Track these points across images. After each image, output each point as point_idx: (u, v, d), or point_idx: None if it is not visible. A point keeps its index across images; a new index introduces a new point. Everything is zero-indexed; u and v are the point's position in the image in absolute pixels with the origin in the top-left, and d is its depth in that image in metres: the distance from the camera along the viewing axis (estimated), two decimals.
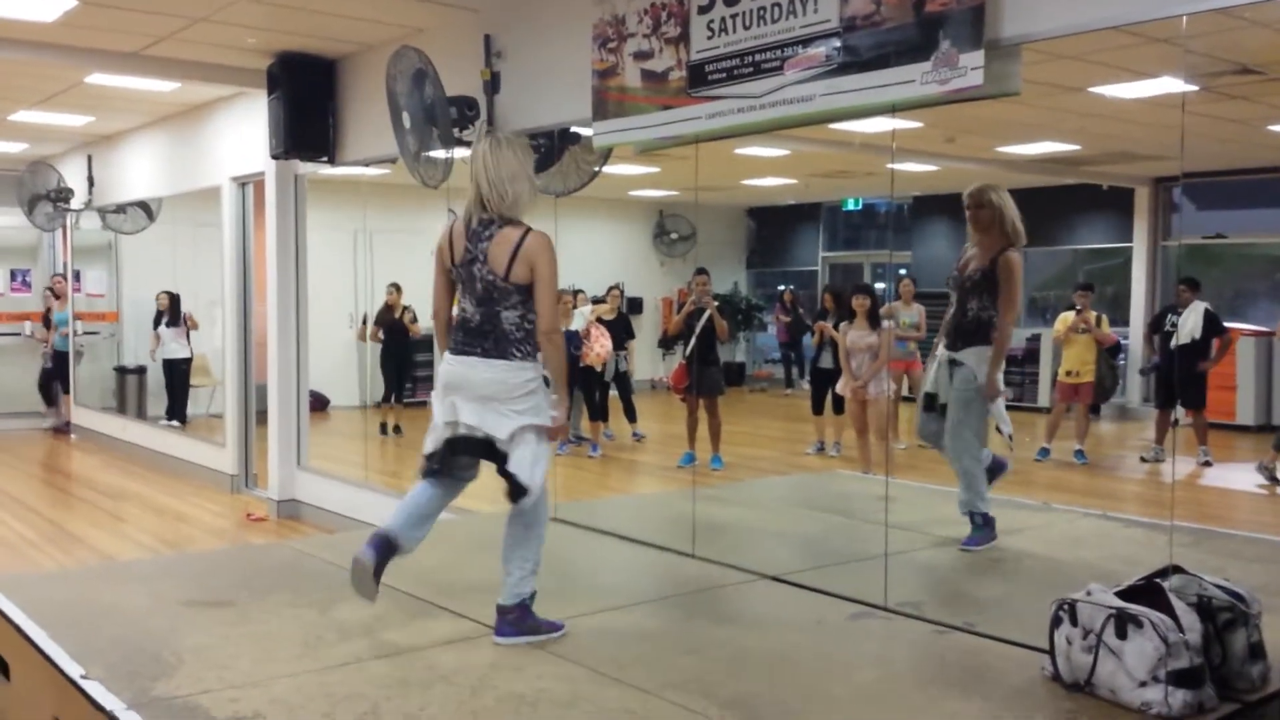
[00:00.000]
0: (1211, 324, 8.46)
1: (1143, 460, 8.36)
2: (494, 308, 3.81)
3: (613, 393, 10.48)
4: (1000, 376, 5.19)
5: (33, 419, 13.54)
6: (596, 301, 10.69)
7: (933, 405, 5.36)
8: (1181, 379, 8.50)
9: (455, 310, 3.97)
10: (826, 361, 8.98)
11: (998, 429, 5.28)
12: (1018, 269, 5.13)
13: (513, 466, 3.78)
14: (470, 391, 3.81)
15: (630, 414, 10.44)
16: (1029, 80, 3.93)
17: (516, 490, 3.81)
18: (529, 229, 3.81)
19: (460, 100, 6.01)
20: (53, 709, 3.70)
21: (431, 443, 3.93)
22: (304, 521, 8.10)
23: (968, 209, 5.30)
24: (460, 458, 3.92)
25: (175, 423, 11.32)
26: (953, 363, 5.24)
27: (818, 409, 9.10)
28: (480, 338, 3.83)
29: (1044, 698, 3.39)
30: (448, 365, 3.88)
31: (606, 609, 4.39)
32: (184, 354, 11.52)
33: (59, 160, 12.44)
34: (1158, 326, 8.74)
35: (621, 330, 10.45)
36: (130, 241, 12.18)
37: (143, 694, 3.41)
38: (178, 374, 11.51)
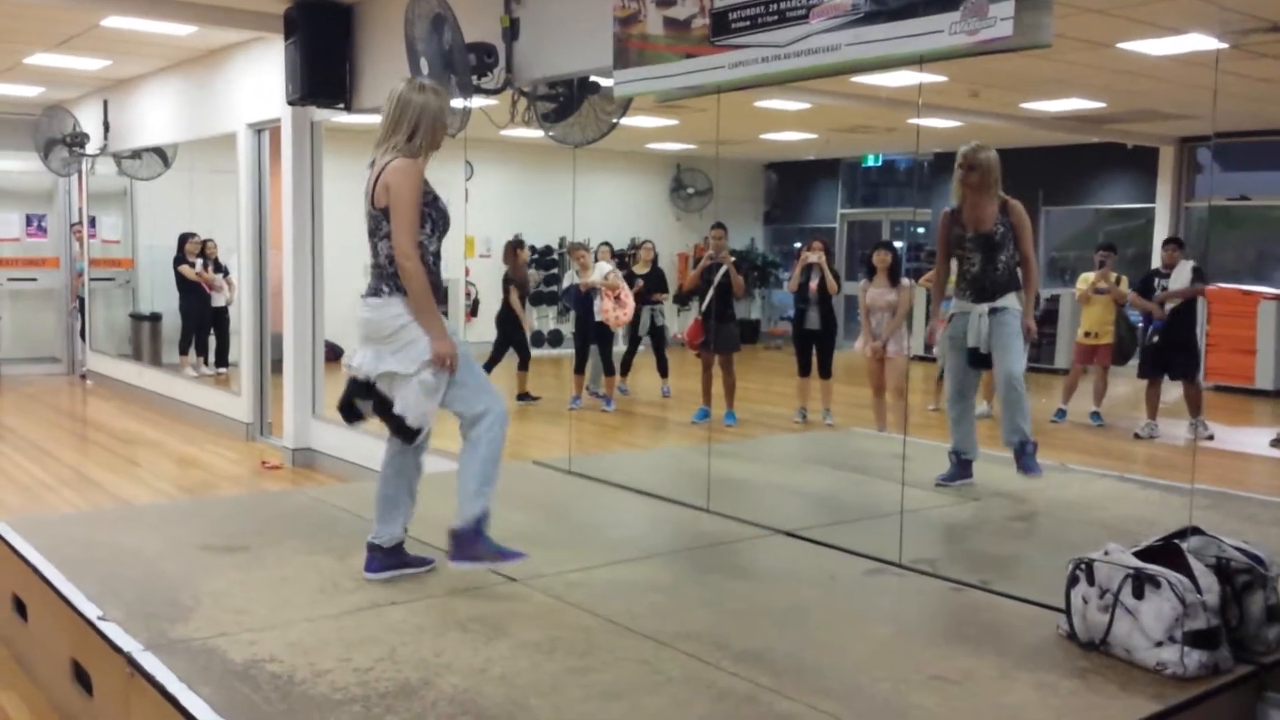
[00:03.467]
0: (1197, 277, 8.25)
1: (1137, 437, 8.25)
2: (373, 239, 3.82)
3: (642, 348, 10.42)
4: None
5: (48, 364, 13.61)
6: (618, 259, 10.62)
7: (979, 360, 5.46)
8: (1171, 346, 8.29)
9: None
10: (813, 322, 8.84)
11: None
12: (1026, 214, 5.50)
13: (398, 409, 3.76)
14: (359, 333, 3.85)
15: (663, 369, 10.39)
16: (1057, 34, 3.85)
17: (404, 434, 3.80)
18: (400, 157, 3.77)
19: (479, 47, 5.94)
20: (70, 650, 3.73)
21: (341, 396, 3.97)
22: (319, 470, 8.13)
23: (960, 168, 5.46)
24: (360, 402, 3.90)
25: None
26: (993, 311, 5.38)
27: (804, 371, 8.93)
28: (372, 278, 3.84)
29: (1059, 656, 3.39)
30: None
31: (621, 561, 4.40)
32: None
33: (75, 105, 12.39)
34: (1146, 291, 8.53)
35: (655, 284, 10.37)
36: (146, 188, 12.15)
37: (160, 636, 3.44)
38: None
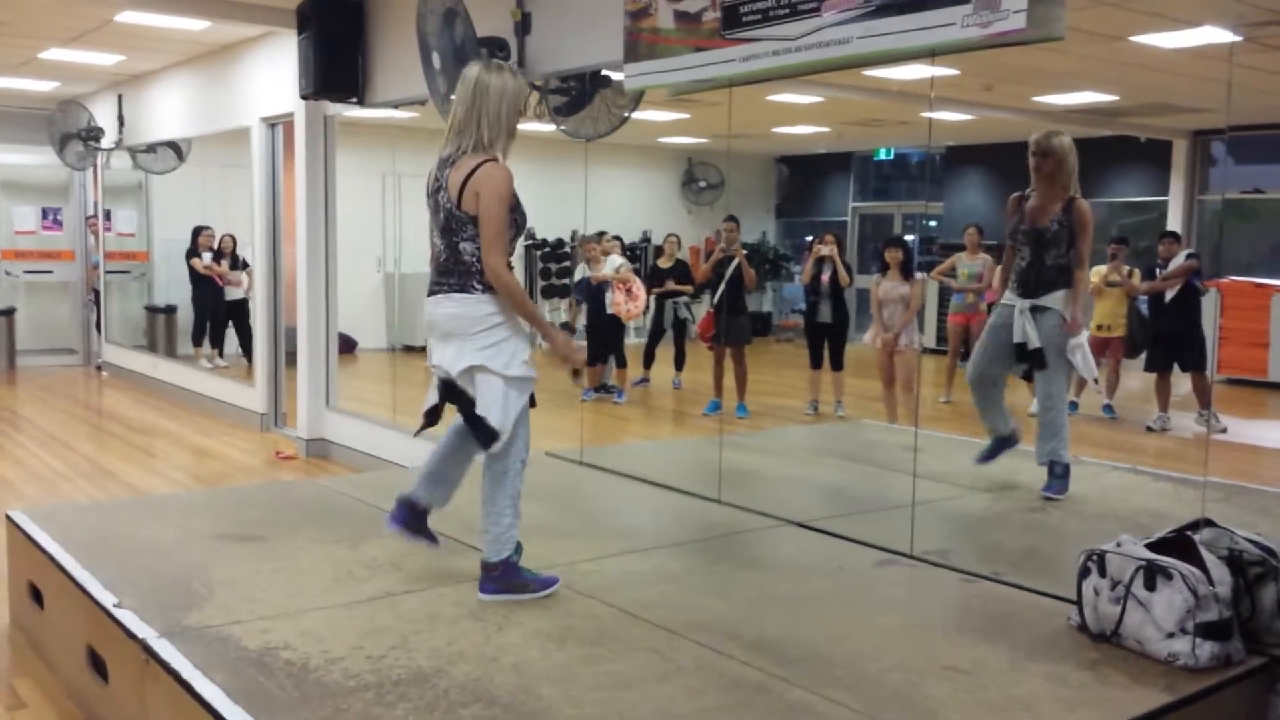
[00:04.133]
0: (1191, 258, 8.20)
1: (1149, 430, 8.23)
2: (452, 239, 3.64)
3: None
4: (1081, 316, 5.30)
5: (64, 356, 13.70)
6: (629, 252, 10.62)
7: (1026, 355, 5.29)
8: (1175, 338, 8.26)
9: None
10: (825, 315, 8.83)
11: (1081, 376, 5.33)
12: (1090, 216, 5.25)
13: (480, 409, 3.62)
14: (438, 330, 3.72)
15: (680, 362, 10.39)
16: (1070, 27, 3.85)
17: (484, 435, 3.64)
18: (489, 159, 3.61)
19: (491, 41, 5.96)
20: (85, 637, 3.77)
21: (429, 397, 3.84)
22: (332, 460, 8.17)
23: (1033, 155, 5.24)
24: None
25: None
26: (1035, 310, 5.23)
27: (816, 363, 8.92)
28: (446, 274, 3.68)
29: (1070, 647, 3.40)
30: (425, 307, 3.77)
31: (633, 550, 4.42)
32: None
33: (90, 99, 12.45)
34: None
35: (678, 276, 10.37)
36: (160, 182, 12.22)
37: (174, 624, 3.47)
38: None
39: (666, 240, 10.63)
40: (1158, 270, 8.38)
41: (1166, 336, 8.26)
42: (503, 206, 3.57)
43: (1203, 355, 8.16)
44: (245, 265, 11.62)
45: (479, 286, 3.63)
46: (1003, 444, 5.51)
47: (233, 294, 11.69)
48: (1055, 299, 5.20)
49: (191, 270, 11.71)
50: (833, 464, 6.84)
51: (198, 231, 11.68)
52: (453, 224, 3.65)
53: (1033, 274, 5.24)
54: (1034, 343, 5.20)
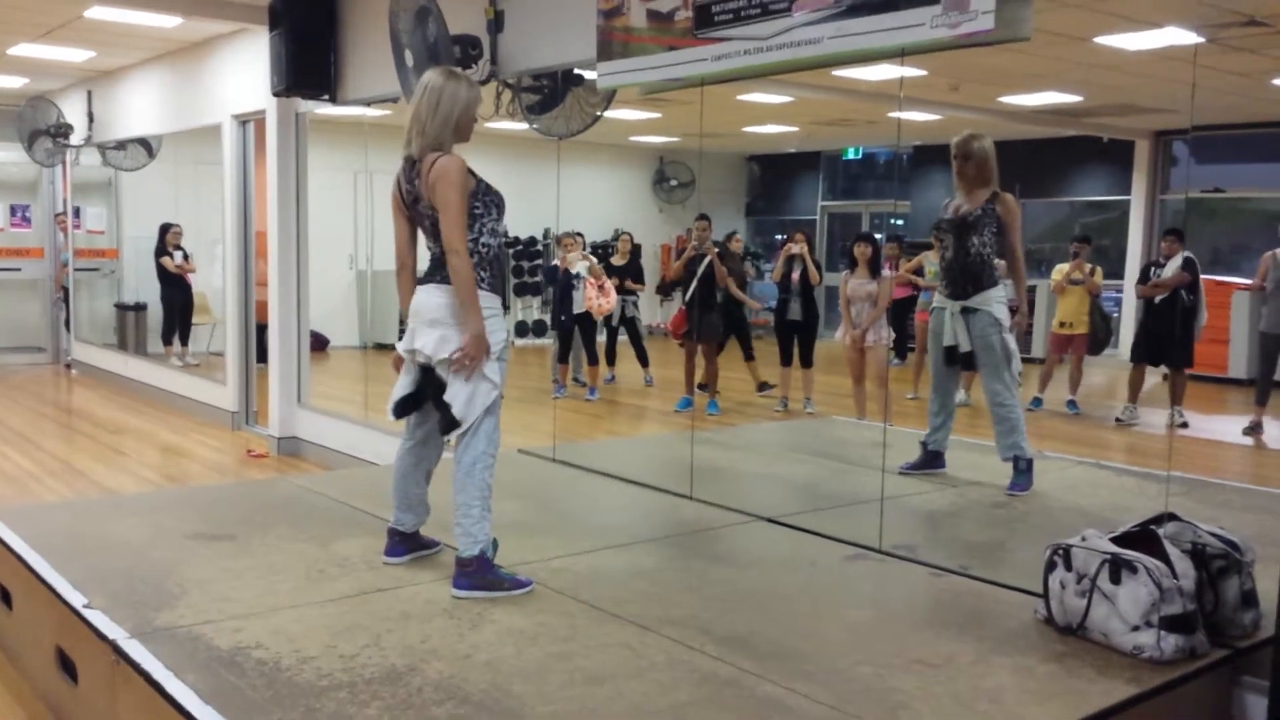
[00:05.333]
0: (1185, 266, 8.31)
1: (1118, 421, 8.33)
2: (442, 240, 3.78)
3: (621, 337, 10.48)
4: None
5: (32, 354, 13.57)
6: (597, 252, 10.64)
7: (955, 358, 5.39)
8: (1164, 335, 8.36)
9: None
10: (795, 313, 8.91)
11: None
12: (1018, 206, 5.34)
13: (448, 396, 3.73)
14: (423, 316, 3.80)
15: (642, 359, 10.43)
16: (1036, 29, 3.89)
17: (446, 421, 3.78)
18: (440, 154, 3.74)
19: (464, 39, 5.96)
20: (55, 638, 3.75)
21: (401, 384, 3.95)
22: (304, 458, 8.14)
23: (955, 159, 5.36)
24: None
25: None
26: (965, 311, 5.30)
27: (785, 361, 9.01)
28: (440, 268, 3.79)
29: (1037, 640, 3.45)
30: (415, 297, 3.87)
31: (605, 547, 4.44)
32: None
33: (59, 96, 12.33)
34: (1144, 281, 8.64)
35: (632, 275, 10.42)
36: (130, 179, 12.12)
37: (145, 624, 3.45)
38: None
39: (620, 238, 10.67)
40: (1153, 270, 8.49)
41: (1151, 333, 8.38)
42: (459, 194, 3.68)
43: (1189, 354, 8.30)
44: (185, 255, 11.60)
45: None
46: (934, 459, 5.66)
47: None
48: (981, 299, 5.27)
49: (161, 268, 11.63)
50: (803, 459, 6.89)
51: (165, 230, 11.61)
52: (428, 223, 3.81)
53: (957, 266, 5.31)
54: (964, 346, 5.31)
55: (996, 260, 5.37)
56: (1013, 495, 5.25)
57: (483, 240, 3.80)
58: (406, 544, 4.15)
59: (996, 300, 5.28)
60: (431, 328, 3.78)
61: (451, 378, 3.74)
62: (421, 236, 3.93)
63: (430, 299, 3.80)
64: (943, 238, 5.39)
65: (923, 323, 8.86)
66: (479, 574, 3.78)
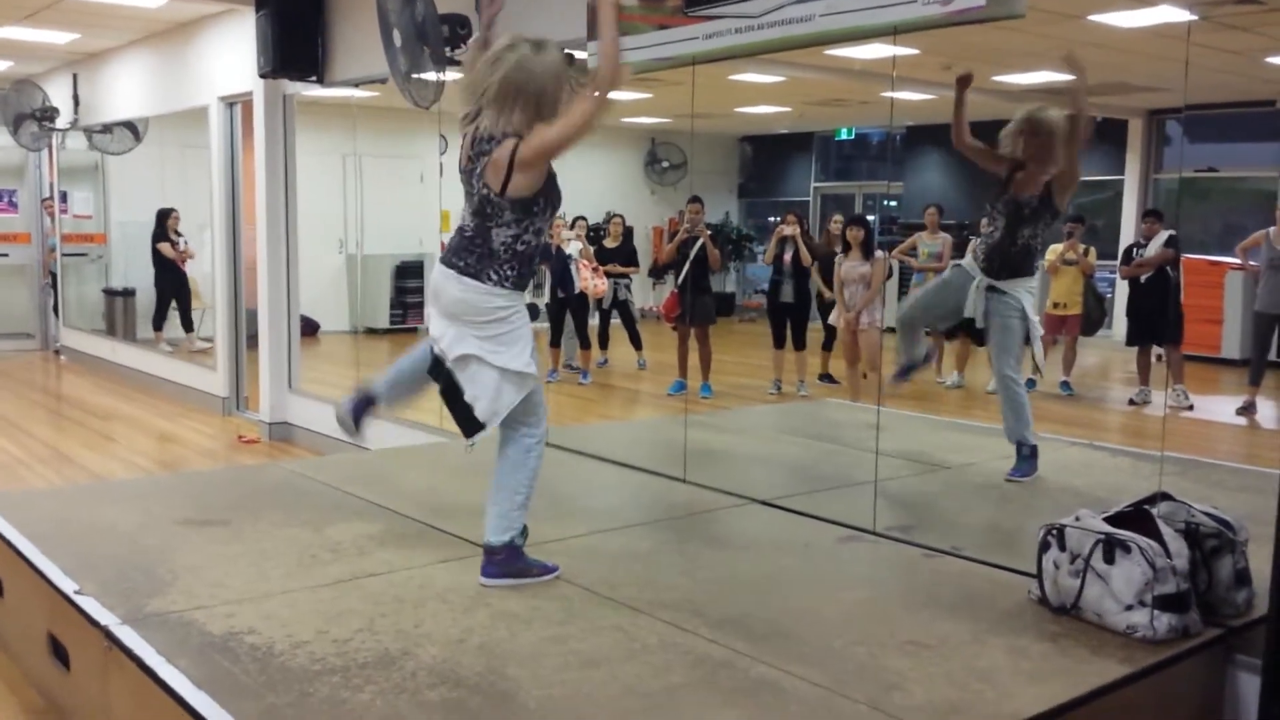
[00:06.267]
0: (1169, 243, 8.28)
1: (1132, 403, 8.35)
2: (485, 223, 3.55)
3: (615, 321, 10.44)
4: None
5: (20, 340, 13.51)
6: (590, 235, 10.60)
7: (965, 324, 5.28)
8: (1152, 314, 8.36)
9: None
10: (787, 295, 8.88)
11: (1035, 362, 5.25)
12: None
13: (468, 397, 3.56)
14: (442, 306, 3.61)
15: (636, 342, 10.40)
16: (1029, 5, 3.88)
17: (468, 425, 3.59)
18: (521, 137, 3.47)
19: (452, 18, 5.92)
20: (46, 624, 3.73)
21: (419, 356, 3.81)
22: (295, 444, 8.12)
23: (1021, 135, 5.09)
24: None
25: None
26: (992, 289, 5.15)
27: (779, 343, 8.97)
28: (466, 253, 3.55)
29: (1031, 620, 3.44)
30: (434, 274, 3.67)
31: (599, 530, 4.43)
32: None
33: (44, 79, 12.24)
34: (1127, 261, 8.63)
35: (624, 258, 10.38)
36: (117, 162, 12.04)
37: (137, 610, 3.44)
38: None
39: (611, 221, 10.60)
40: (1136, 251, 8.46)
41: (1143, 313, 8.37)
42: (566, 128, 3.47)
43: (1179, 330, 8.28)
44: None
45: (494, 277, 3.53)
46: (914, 367, 5.51)
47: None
48: (1014, 284, 5.12)
49: (157, 254, 11.55)
50: (796, 442, 6.88)
51: (164, 215, 11.52)
52: (488, 209, 3.55)
53: (1000, 251, 5.12)
54: (980, 321, 5.20)
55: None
56: (1012, 480, 5.18)
57: (524, 238, 3.55)
58: (364, 406, 3.96)
59: (1027, 289, 5.13)
60: (450, 321, 3.58)
61: (468, 378, 3.57)
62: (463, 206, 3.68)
63: (448, 287, 3.56)
64: (995, 218, 5.14)
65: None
66: (508, 562, 3.70)
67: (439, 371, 3.65)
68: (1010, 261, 5.12)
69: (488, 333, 3.54)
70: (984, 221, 5.25)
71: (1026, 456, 5.19)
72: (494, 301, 3.54)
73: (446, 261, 3.61)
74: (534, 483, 3.74)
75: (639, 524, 4.64)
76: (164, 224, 11.53)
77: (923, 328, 5.53)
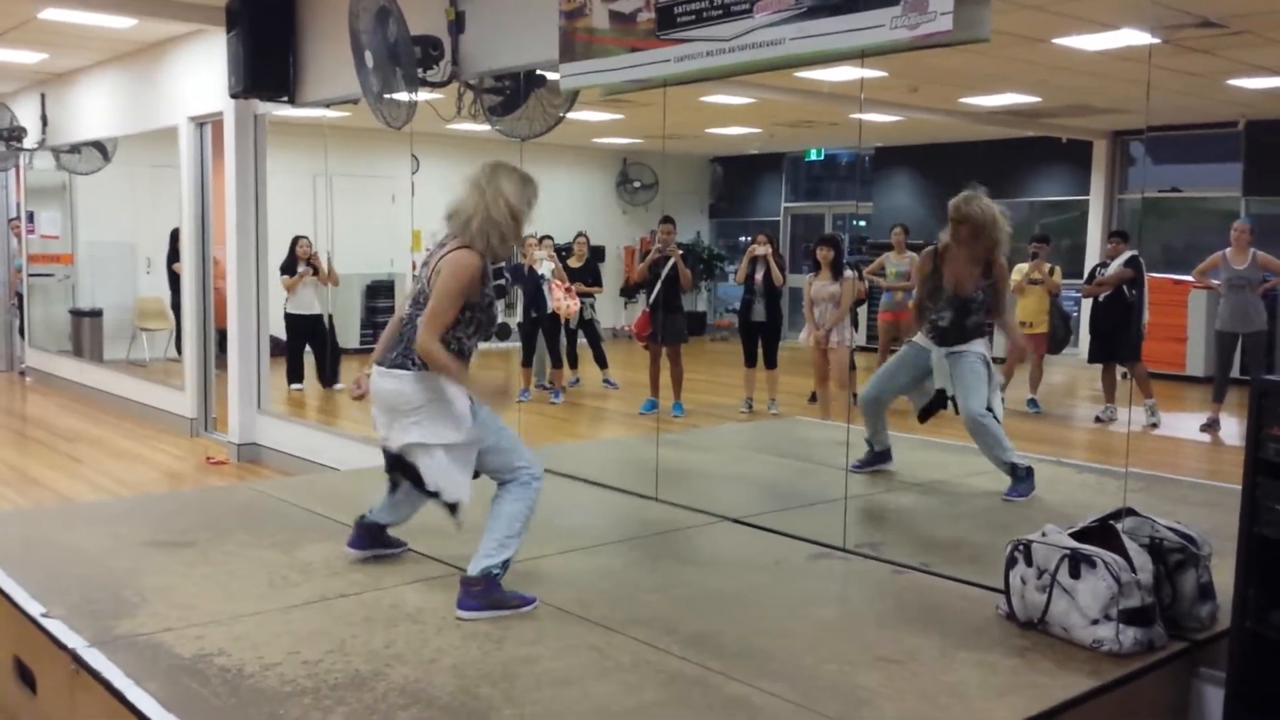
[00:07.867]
0: (1128, 263, 8.40)
1: (1098, 420, 8.44)
2: (416, 312, 3.68)
3: (581, 340, 10.47)
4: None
5: None
6: (560, 253, 10.62)
7: (945, 402, 5.36)
8: (1110, 332, 8.47)
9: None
10: (759, 314, 8.94)
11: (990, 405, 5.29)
12: (1006, 270, 5.39)
13: (430, 486, 3.69)
14: (380, 403, 3.75)
15: (601, 361, 10.43)
16: (995, 30, 3.93)
17: (446, 507, 3.74)
18: (465, 246, 3.64)
19: (424, 40, 5.93)
20: (13, 647, 3.69)
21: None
22: (264, 465, 8.07)
23: (951, 221, 5.23)
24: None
25: (299, 386, 10.56)
26: (951, 355, 5.28)
27: (750, 362, 9.02)
28: (395, 342, 3.72)
29: (999, 635, 3.47)
30: (373, 374, 3.81)
31: (571, 549, 4.43)
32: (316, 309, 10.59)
33: (11, 98, 12.16)
34: (1091, 281, 8.75)
35: (588, 277, 10.42)
36: (86, 182, 11.95)
37: (105, 632, 3.41)
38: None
39: (576, 240, 10.63)
40: (1099, 271, 8.57)
41: (1103, 331, 8.47)
42: (456, 286, 3.58)
43: (1137, 347, 8.38)
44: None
45: (415, 364, 3.65)
46: (881, 456, 5.70)
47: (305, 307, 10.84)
48: (973, 345, 5.28)
49: (173, 275, 11.34)
50: (767, 460, 6.90)
51: (177, 234, 11.34)
52: (421, 300, 3.68)
53: (954, 332, 5.29)
54: (950, 390, 5.30)
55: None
56: (1009, 500, 5.20)
57: (463, 339, 3.70)
58: (369, 538, 4.13)
59: (980, 341, 5.29)
60: (387, 416, 3.72)
61: (424, 468, 3.68)
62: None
63: (381, 384, 3.72)
64: (940, 309, 5.28)
65: (885, 322, 8.91)
66: (486, 593, 3.66)
67: (400, 465, 3.78)
68: (965, 335, 5.28)
69: (415, 418, 3.67)
70: (929, 307, 5.36)
71: (1022, 477, 5.24)
72: (416, 386, 3.66)
73: (377, 360, 3.79)
74: (523, 522, 3.76)
75: (611, 542, 4.65)
76: (176, 244, 11.31)
77: (887, 401, 5.64)
